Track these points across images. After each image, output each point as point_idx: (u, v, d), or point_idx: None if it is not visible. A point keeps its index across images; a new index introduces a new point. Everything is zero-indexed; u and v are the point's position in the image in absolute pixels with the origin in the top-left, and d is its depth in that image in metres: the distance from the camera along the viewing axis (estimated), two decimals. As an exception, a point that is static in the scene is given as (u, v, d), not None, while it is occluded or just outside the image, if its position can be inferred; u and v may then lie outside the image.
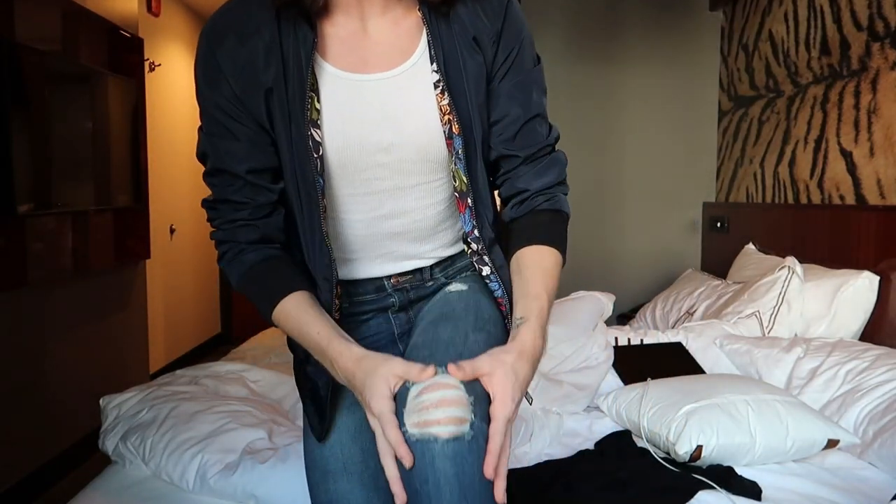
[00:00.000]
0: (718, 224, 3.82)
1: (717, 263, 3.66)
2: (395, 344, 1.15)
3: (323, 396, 1.05)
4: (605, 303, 2.66)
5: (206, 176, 1.05)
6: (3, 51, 2.52)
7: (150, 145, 3.94)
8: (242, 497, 1.59)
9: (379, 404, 0.87)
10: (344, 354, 0.93)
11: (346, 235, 1.06)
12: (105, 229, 3.44)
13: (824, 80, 2.94)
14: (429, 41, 1.00)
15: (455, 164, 1.02)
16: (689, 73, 3.98)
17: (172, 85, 4.59)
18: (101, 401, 2.02)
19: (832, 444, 1.79)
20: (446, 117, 0.99)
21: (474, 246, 1.08)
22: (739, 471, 1.69)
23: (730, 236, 3.69)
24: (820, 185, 2.97)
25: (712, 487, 1.58)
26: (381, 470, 0.89)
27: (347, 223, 1.05)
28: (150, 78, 4.06)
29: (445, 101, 0.99)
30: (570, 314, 2.53)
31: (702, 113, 4.01)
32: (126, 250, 3.68)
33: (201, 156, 1.04)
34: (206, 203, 1.07)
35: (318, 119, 0.96)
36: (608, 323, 2.71)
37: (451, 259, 1.14)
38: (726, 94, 3.90)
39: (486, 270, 1.08)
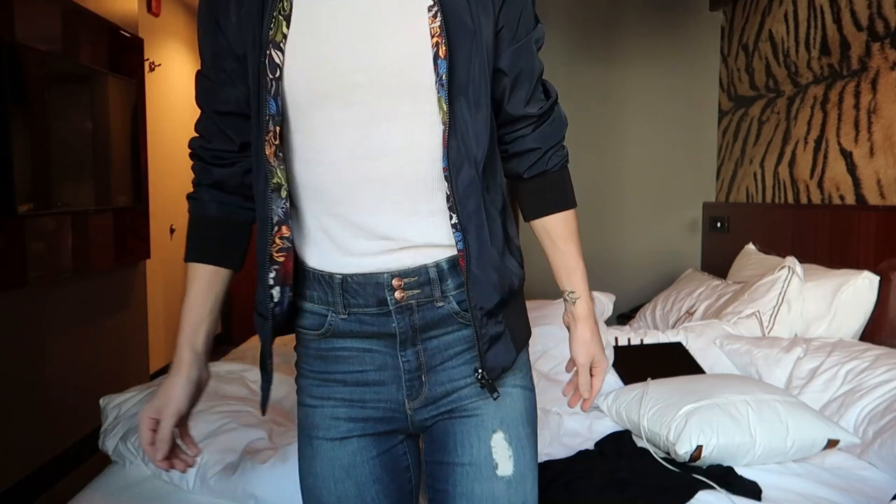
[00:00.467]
0: (718, 224, 3.82)
1: (717, 263, 3.66)
2: (399, 386, 1.01)
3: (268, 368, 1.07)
4: (605, 303, 2.66)
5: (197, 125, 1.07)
6: (3, 51, 2.52)
7: (150, 145, 3.94)
8: (242, 497, 1.59)
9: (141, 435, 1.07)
10: (174, 361, 1.07)
11: (326, 183, 0.95)
12: (105, 229, 3.44)
13: (824, 80, 2.94)
14: None
15: (438, 92, 0.92)
16: (689, 73, 3.98)
17: (172, 85, 4.59)
18: (101, 401, 2.02)
19: (832, 444, 1.79)
20: (434, 39, 0.92)
21: (447, 189, 0.95)
22: (739, 471, 1.69)
23: (730, 236, 3.69)
24: (820, 185, 2.97)
25: (712, 487, 1.58)
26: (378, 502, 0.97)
27: (326, 166, 0.94)
28: (150, 78, 4.06)
29: (437, 24, 0.92)
30: (570, 314, 2.53)
31: (702, 113, 4.01)
32: (126, 250, 3.68)
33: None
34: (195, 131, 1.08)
35: (281, 41, 0.92)
36: (608, 323, 2.71)
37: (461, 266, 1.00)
38: (726, 94, 3.90)
39: (453, 219, 0.95)
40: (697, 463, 1.73)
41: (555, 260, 1.11)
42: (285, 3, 0.93)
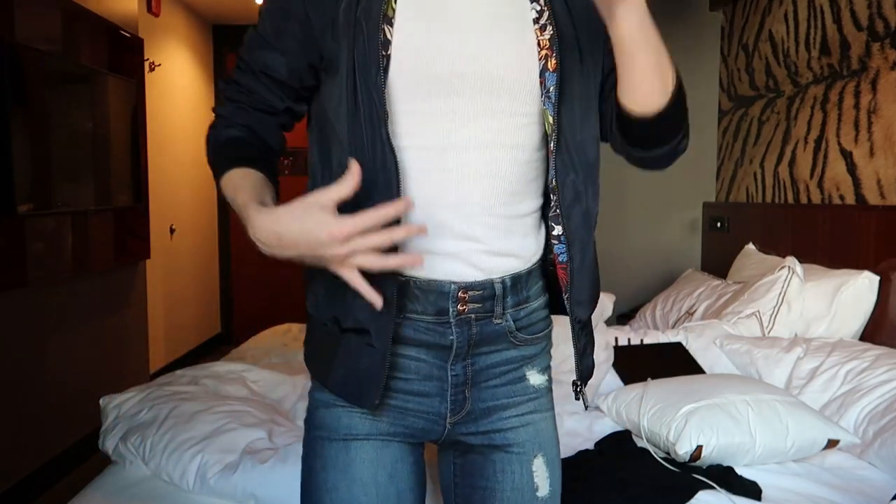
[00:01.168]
0: (718, 224, 3.82)
1: (717, 263, 3.66)
2: (443, 399, 0.98)
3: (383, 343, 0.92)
4: (605, 303, 2.66)
5: (238, 61, 1.02)
6: (3, 51, 2.52)
7: (150, 145, 3.94)
8: (242, 497, 1.59)
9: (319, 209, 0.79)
10: (261, 210, 0.84)
11: (405, 172, 0.90)
12: (105, 229, 3.44)
13: (824, 80, 2.94)
14: None
15: (544, 104, 0.93)
16: (689, 73, 3.96)
17: (172, 85, 4.59)
18: (101, 401, 2.02)
19: (832, 444, 1.79)
20: (543, 52, 0.92)
21: (552, 201, 0.97)
22: (739, 471, 1.69)
23: (730, 236, 3.68)
24: (820, 185, 2.97)
25: (712, 487, 1.58)
26: None
27: (408, 153, 0.90)
28: (150, 78, 4.06)
29: (546, 36, 0.92)
30: (570, 314, 2.53)
31: (702, 113, 4.01)
32: (126, 250, 3.68)
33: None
34: (223, 80, 1.04)
35: (392, 17, 0.89)
36: (608, 323, 2.71)
37: (524, 282, 0.99)
38: (726, 94, 3.90)
39: (556, 230, 0.98)
40: (697, 463, 1.73)
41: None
42: None
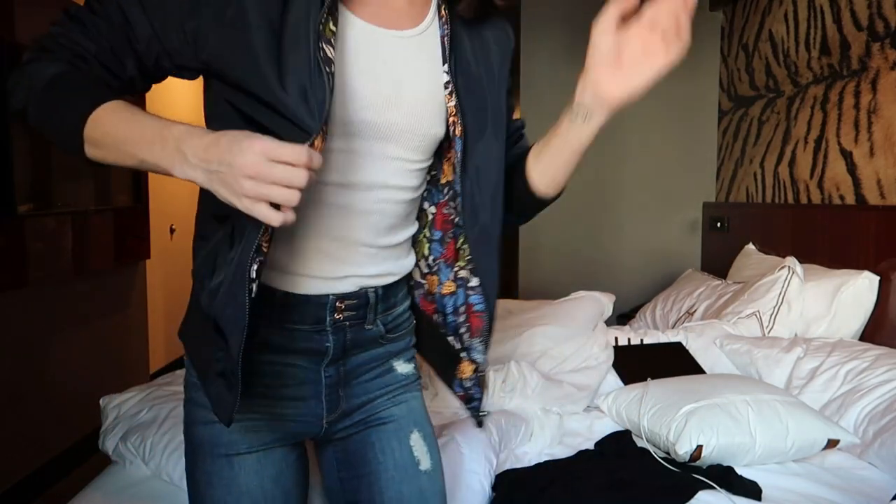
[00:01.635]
0: (718, 224, 3.82)
1: (717, 263, 3.66)
2: (318, 401, 1.02)
3: (235, 362, 0.89)
4: (605, 303, 2.66)
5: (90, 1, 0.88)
6: (3, 51, 2.52)
7: (150, 145, 3.94)
8: (242, 497, 1.59)
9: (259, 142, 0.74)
10: (193, 129, 0.78)
11: (310, 202, 0.91)
12: (105, 229, 3.44)
13: (824, 80, 2.94)
14: (443, 35, 0.98)
15: (455, 170, 1.00)
16: (689, 73, 3.98)
17: (172, 85, 4.59)
18: (101, 401, 2.02)
19: (832, 444, 1.79)
20: (451, 118, 0.98)
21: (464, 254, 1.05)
22: (739, 471, 1.69)
23: (730, 236, 3.69)
24: (820, 185, 2.97)
25: (712, 487, 1.58)
26: None
27: (317, 186, 0.91)
28: (150, 78, 4.06)
29: (452, 104, 0.98)
30: (570, 314, 2.53)
31: (702, 113, 4.01)
32: (126, 250, 3.68)
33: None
34: (54, 23, 0.88)
35: (331, 37, 0.87)
36: (608, 323, 2.71)
37: (393, 289, 1.06)
38: (726, 94, 3.90)
39: (473, 283, 1.05)
40: (697, 463, 1.73)
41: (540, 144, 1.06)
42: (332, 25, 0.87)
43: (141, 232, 3.82)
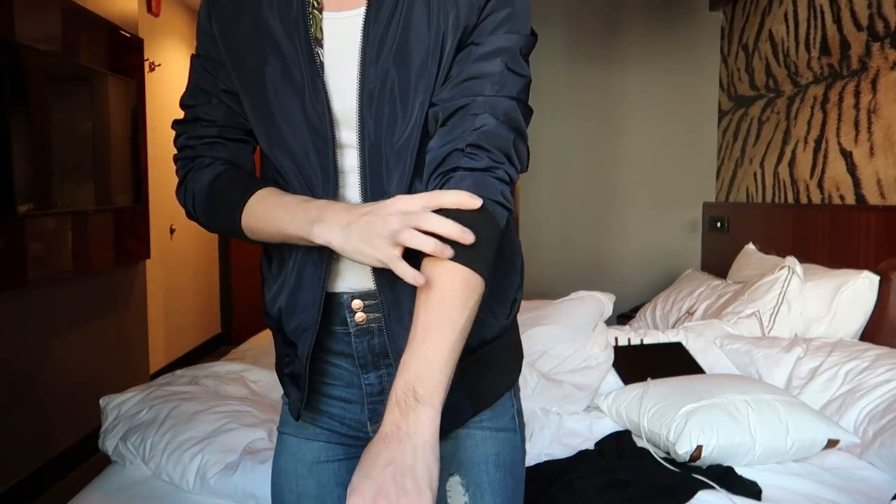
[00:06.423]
0: (718, 224, 3.82)
1: (717, 263, 3.66)
2: (363, 407, 0.97)
3: (303, 366, 0.94)
4: (605, 303, 2.66)
5: (184, 99, 0.99)
6: (3, 51, 2.52)
7: (149, 145, 3.94)
8: (242, 497, 1.60)
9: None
10: (335, 203, 0.84)
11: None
12: (105, 229, 3.44)
13: (824, 80, 2.94)
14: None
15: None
16: (689, 73, 3.98)
17: (172, 85, 4.59)
18: (101, 401, 2.02)
19: (832, 443, 1.79)
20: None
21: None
22: (739, 471, 1.70)
23: (730, 236, 3.69)
24: (820, 185, 2.97)
25: (712, 487, 1.58)
26: None
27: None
28: (149, 78, 4.06)
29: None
30: (570, 314, 2.53)
31: (702, 113, 4.01)
32: (126, 250, 3.68)
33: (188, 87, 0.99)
34: (175, 124, 1.00)
35: (321, 39, 0.88)
36: (608, 323, 2.71)
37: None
38: (726, 94, 3.90)
39: None
40: (697, 463, 1.73)
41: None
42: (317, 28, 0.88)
43: (141, 232, 3.82)
